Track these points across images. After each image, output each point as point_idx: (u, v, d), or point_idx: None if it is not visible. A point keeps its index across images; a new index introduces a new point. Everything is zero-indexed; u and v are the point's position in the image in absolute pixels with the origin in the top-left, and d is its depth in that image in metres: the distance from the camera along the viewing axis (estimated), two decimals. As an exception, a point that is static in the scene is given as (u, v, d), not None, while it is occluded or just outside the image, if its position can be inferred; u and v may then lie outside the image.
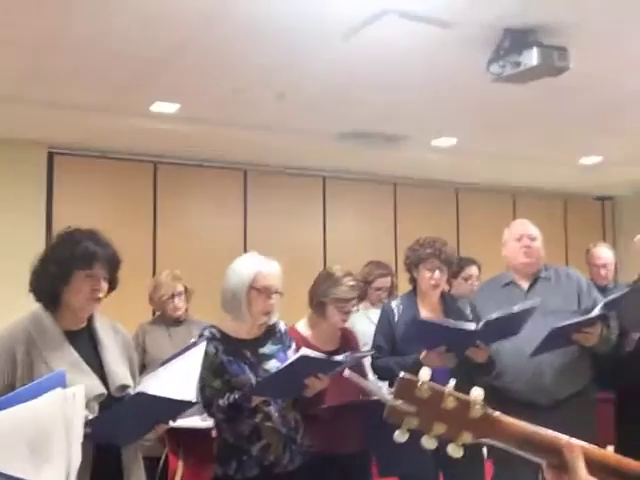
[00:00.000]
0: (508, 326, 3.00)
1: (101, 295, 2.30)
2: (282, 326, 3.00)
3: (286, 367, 2.66)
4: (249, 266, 2.83)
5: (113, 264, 2.35)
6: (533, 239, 3.44)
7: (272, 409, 2.79)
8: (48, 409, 1.86)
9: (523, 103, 5.47)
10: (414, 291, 3.42)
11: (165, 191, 7.22)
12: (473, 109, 5.74)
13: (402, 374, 1.04)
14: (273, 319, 2.93)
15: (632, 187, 9.35)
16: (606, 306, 3.07)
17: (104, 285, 2.30)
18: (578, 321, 3.08)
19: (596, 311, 3.06)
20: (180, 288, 4.30)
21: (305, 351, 2.64)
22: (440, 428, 1.03)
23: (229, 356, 2.79)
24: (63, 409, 1.86)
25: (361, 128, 6.31)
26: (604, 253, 5.00)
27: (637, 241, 3.80)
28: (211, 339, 2.78)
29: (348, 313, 3.17)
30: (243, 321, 2.83)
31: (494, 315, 2.93)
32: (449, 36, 4.09)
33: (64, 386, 1.92)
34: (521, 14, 3.81)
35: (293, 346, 2.94)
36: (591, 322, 3.04)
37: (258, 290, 2.78)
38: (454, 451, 1.04)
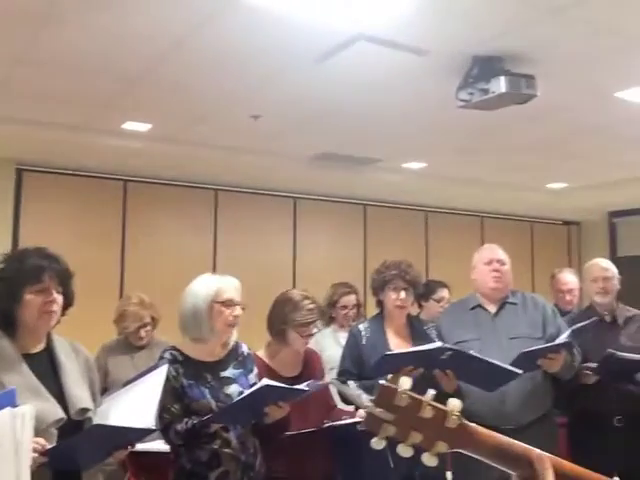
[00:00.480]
0: (483, 375, 2.94)
1: (55, 308, 2.23)
2: (244, 349, 2.94)
3: (248, 396, 2.62)
4: (209, 283, 2.80)
5: (64, 276, 2.29)
6: (502, 264, 3.48)
7: (231, 435, 2.74)
8: None
9: (491, 129, 5.56)
10: (381, 314, 3.43)
11: (134, 209, 7.18)
12: (443, 134, 5.82)
13: (382, 382, 1.05)
14: (233, 337, 2.89)
15: (597, 212, 9.54)
16: (573, 333, 3.13)
17: (57, 297, 2.24)
18: (545, 347, 3.12)
19: (563, 338, 3.12)
20: (147, 319, 4.19)
21: (267, 381, 2.58)
22: (416, 437, 1.04)
23: (190, 379, 2.72)
24: (12, 429, 1.82)
25: (332, 150, 6.36)
26: (569, 278, 5.08)
27: (586, 268, 3.92)
28: (172, 361, 2.72)
29: (310, 336, 3.14)
30: (205, 341, 2.77)
31: (472, 352, 2.89)
32: (420, 62, 4.15)
33: (14, 405, 1.87)
34: (490, 42, 3.88)
35: (255, 370, 2.90)
36: (557, 349, 3.10)
37: (222, 303, 2.74)
38: (429, 460, 1.06)
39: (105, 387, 3.95)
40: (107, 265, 6.90)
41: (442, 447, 1.05)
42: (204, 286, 2.80)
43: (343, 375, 3.27)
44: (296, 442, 2.92)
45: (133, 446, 2.28)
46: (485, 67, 4.01)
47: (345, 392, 2.89)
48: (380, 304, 3.43)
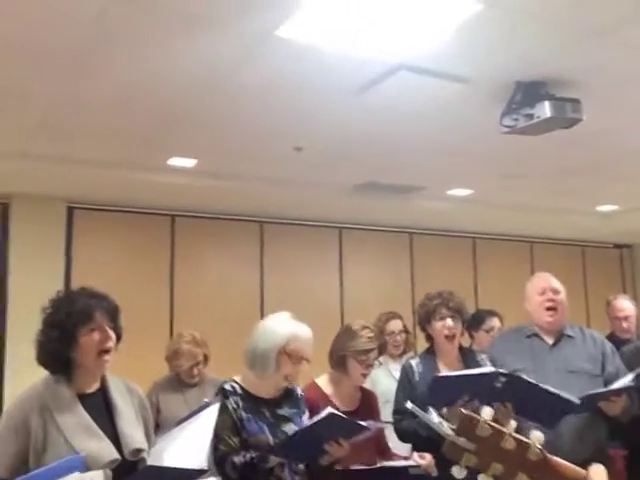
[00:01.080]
0: (540, 408, 2.82)
1: (111, 344, 2.26)
2: (299, 391, 2.94)
3: (313, 425, 2.59)
4: (284, 327, 2.78)
5: (113, 312, 2.31)
6: (557, 292, 3.38)
7: (286, 473, 2.70)
8: None
9: (537, 154, 5.49)
10: (432, 348, 3.38)
11: (182, 244, 7.27)
12: (487, 160, 5.77)
13: (464, 410, 1.08)
14: (297, 389, 2.91)
15: (650, 235, 9.30)
16: (637, 378, 3.01)
17: (111, 334, 2.27)
18: (610, 390, 3.01)
19: (628, 381, 3.00)
20: (200, 357, 4.23)
21: (331, 409, 2.56)
22: (498, 468, 1.06)
23: (248, 414, 2.71)
24: None
25: (376, 179, 6.36)
26: (625, 305, 4.96)
27: None
28: (232, 394, 2.73)
29: (369, 367, 3.12)
30: (267, 381, 2.77)
31: (524, 376, 2.80)
32: (462, 90, 4.13)
33: (82, 470, 1.89)
34: (533, 67, 3.85)
35: (307, 413, 2.88)
36: (621, 392, 2.99)
37: (289, 355, 2.73)
38: None
39: (157, 424, 3.97)
40: (156, 300, 6.98)
41: (523, 479, 1.07)
42: (279, 328, 2.78)
43: (399, 414, 3.22)
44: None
45: None
46: (529, 92, 3.98)
47: (426, 419, 2.83)
48: (429, 338, 3.38)
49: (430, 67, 3.83)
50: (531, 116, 3.88)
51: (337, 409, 2.92)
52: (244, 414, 2.71)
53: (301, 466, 2.77)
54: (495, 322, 4.91)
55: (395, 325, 4.62)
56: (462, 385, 2.87)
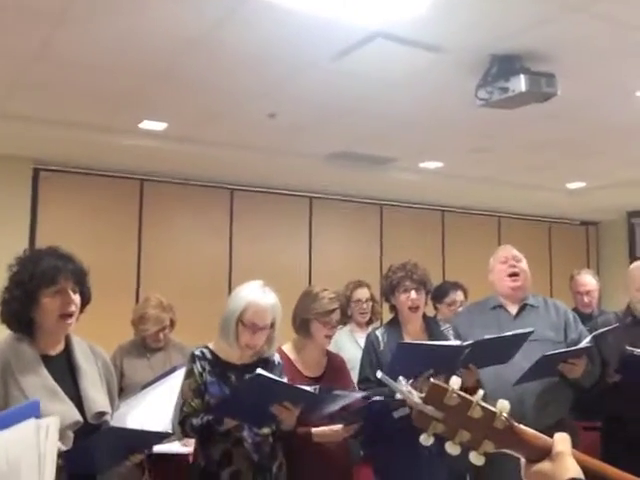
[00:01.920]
0: (497, 352, 2.98)
1: (73, 309, 2.22)
2: (276, 358, 2.95)
3: (242, 384, 2.65)
4: (243, 296, 2.81)
5: (80, 275, 2.27)
6: (518, 260, 3.46)
7: (245, 435, 2.75)
8: (20, 440, 1.81)
9: (509, 128, 5.51)
10: (397, 318, 3.41)
11: (151, 209, 7.18)
12: (460, 133, 5.77)
13: (432, 380, 1.10)
14: (270, 351, 2.90)
15: (616, 213, 9.44)
16: (595, 339, 3.08)
17: (75, 298, 2.23)
18: (567, 350, 3.08)
19: (585, 342, 3.06)
20: (166, 322, 4.19)
21: (261, 370, 2.57)
22: (464, 435, 1.08)
23: (213, 377, 2.76)
24: (36, 441, 1.80)
25: (349, 150, 6.33)
26: (588, 280, 5.02)
27: (631, 270, 3.77)
28: (200, 358, 2.78)
29: (333, 328, 3.12)
30: (233, 348, 2.81)
31: (486, 336, 2.93)
32: (438, 60, 4.11)
33: (38, 416, 1.86)
34: (508, 40, 3.84)
35: (284, 379, 2.87)
36: (579, 353, 3.05)
37: (244, 324, 2.77)
38: (476, 459, 1.10)
39: (121, 388, 3.95)
40: (123, 264, 6.92)
41: (489, 446, 1.09)
42: (239, 298, 2.81)
43: (363, 383, 3.25)
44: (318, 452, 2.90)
45: (150, 450, 2.27)
46: (504, 66, 3.97)
47: (395, 388, 2.85)
48: (393, 309, 3.41)
49: (407, 36, 3.79)
50: (506, 89, 3.88)
51: (301, 375, 2.95)
52: (209, 378, 2.76)
53: (266, 430, 2.79)
54: (458, 296, 4.94)
55: (362, 293, 4.63)
56: (427, 355, 2.90)
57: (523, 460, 1.14)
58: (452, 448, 1.09)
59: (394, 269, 3.40)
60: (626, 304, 3.77)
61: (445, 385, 1.08)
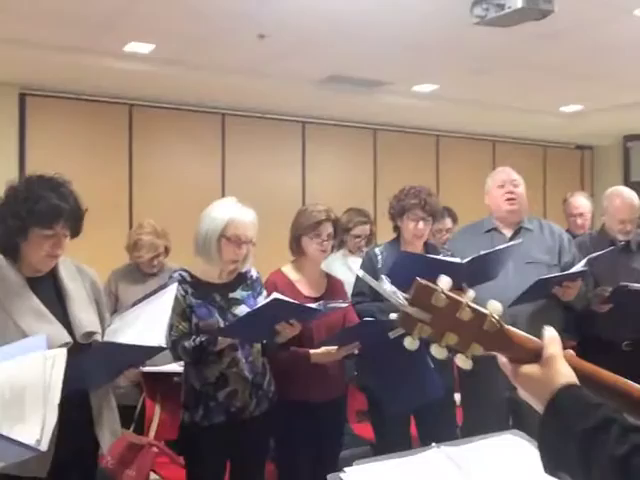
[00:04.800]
0: (490, 267, 3.00)
1: (60, 252, 2.20)
2: (254, 273, 2.98)
3: (257, 309, 2.65)
4: (222, 213, 2.80)
5: (76, 218, 2.24)
6: (516, 185, 3.44)
7: (239, 354, 2.79)
8: (26, 370, 1.82)
9: (505, 48, 5.38)
10: (398, 239, 3.39)
11: (141, 134, 7.07)
12: (455, 54, 5.64)
13: (419, 279, 1.02)
14: (246, 267, 2.91)
15: (612, 137, 9.36)
16: (589, 262, 3.10)
17: (65, 242, 2.20)
18: (564, 274, 3.10)
19: (580, 267, 3.08)
20: (161, 249, 4.18)
21: (276, 294, 2.61)
22: (452, 338, 1.03)
23: (198, 299, 2.78)
24: (42, 370, 1.82)
25: (342, 73, 6.20)
26: (581, 202, 5.02)
27: (615, 197, 3.79)
28: (181, 282, 2.77)
29: (324, 242, 3.08)
30: (213, 266, 2.82)
31: (482, 252, 2.95)
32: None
33: (45, 349, 1.87)
34: (506, -45, 3.71)
35: (264, 293, 2.93)
36: (575, 277, 3.08)
37: (228, 239, 2.76)
38: (463, 362, 1.05)
39: (115, 312, 3.97)
40: (115, 190, 6.86)
41: (477, 349, 1.04)
42: (218, 213, 2.80)
43: (358, 296, 3.26)
44: (308, 365, 2.95)
45: (143, 365, 2.29)
46: (501, -19, 3.84)
47: (378, 288, 2.87)
48: (397, 229, 3.38)
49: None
50: (502, 6, 3.76)
51: (302, 296, 2.97)
52: (194, 300, 2.77)
53: (257, 346, 2.83)
54: (447, 223, 4.87)
55: (363, 230, 4.55)
56: (426, 269, 2.89)
57: (505, 361, 1.10)
58: (438, 351, 1.03)
59: (408, 192, 3.29)
60: (600, 226, 3.82)
61: (433, 285, 1.02)
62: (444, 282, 1.02)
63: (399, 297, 1.04)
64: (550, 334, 1.09)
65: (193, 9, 4.60)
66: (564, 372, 1.05)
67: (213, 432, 2.76)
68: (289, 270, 3.18)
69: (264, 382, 2.87)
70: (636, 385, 1.07)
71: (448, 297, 1.02)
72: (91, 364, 2.13)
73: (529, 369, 1.07)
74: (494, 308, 1.04)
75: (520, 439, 1.90)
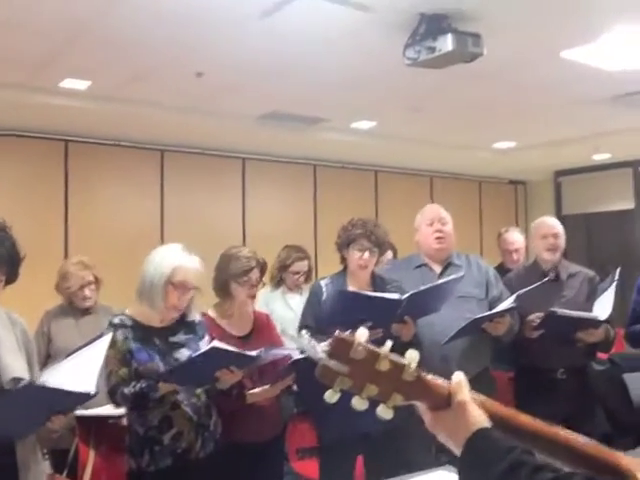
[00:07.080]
0: (430, 302, 3.05)
1: None
2: (196, 316, 2.96)
3: (197, 356, 2.64)
4: (169, 259, 2.79)
5: (13, 264, 2.20)
6: (444, 223, 3.52)
7: (182, 397, 2.76)
8: None
9: (439, 88, 5.54)
10: (344, 271, 3.40)
11: (77, 171, 6.95)
12: (392, 93, 5.77)
13: (337, 333, 1.02)
14: (193, 315, 2.90)
15: (543, 172, 9.68)
16: (518, 298, 3.20)
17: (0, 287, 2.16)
18: (495, 312, 3.20)
19: (509, 303, 3.18)
20: (89, 278, 4.10)
21: (216, 343, 2.62)
22: (372, 390, 1.03)
23: (138, 344, 2.74)
24: None
25: (281, 110, 6.25)
26: (516, 237, 5.18)
27: (535, 226, 4.01)
28: (121, 326, 2.74)
29: (253, 287, 3.12)
30: (156, 311, 2.80)
31: (421, 288, 2.99)
32: (366, 19, 4.07)
33: None
34: (436, 0, 3.83)
35: (206, 337, 2.91)
36: (505, 314, 3.18)
37: (174, 285, 2.75)
38: (384, 413, 1.04)
39: (49, 354, 3.86)
40: (50, 231, 6.70)
41: (398, 399, 1.04)
42: (165, 259, 2.79)
43: (304, 330, 3.25)
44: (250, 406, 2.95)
45: (72, 411, 2.24)
46: (432, 25, 3.96)
47: (297, 342, 2.90)
48: (343, 260, 3.40)
49: (334, -7, 3.74)
50: (433, 49, 3.88)
51: (230, 336, 2.97)
52: (133, 344, 2.74)
53: (199, 391, 2.81)
54: (387, 255, 4.93)
55: (301, 266, 4.56)
56: (366, 306, 2.93)
57: (425, 409, 1.11)
58: (359, 403, 1.03)
59: (355, 224, 3.32)
60: (533, 259, 3.99)
61: (350, 338, 1.02)
62: (361, 334, 1.02)
63: (317, 351, 1.05)
64: (456, 380, 1.11)
65: (130, 46, 4.59)
66: (475, 416, 1.07)
67: (160, 478, 2.72)
68: (214, 313, 3.18)
69: (210, 423, 2.85)
70: (551, 427, 1.09)
71: (366, 349, 1.02)
72: (14, 408, 2.05)
73: (443, 415, 1.08)
74: (412, 357, 1.05)
75: (454, 475, 1.91)
